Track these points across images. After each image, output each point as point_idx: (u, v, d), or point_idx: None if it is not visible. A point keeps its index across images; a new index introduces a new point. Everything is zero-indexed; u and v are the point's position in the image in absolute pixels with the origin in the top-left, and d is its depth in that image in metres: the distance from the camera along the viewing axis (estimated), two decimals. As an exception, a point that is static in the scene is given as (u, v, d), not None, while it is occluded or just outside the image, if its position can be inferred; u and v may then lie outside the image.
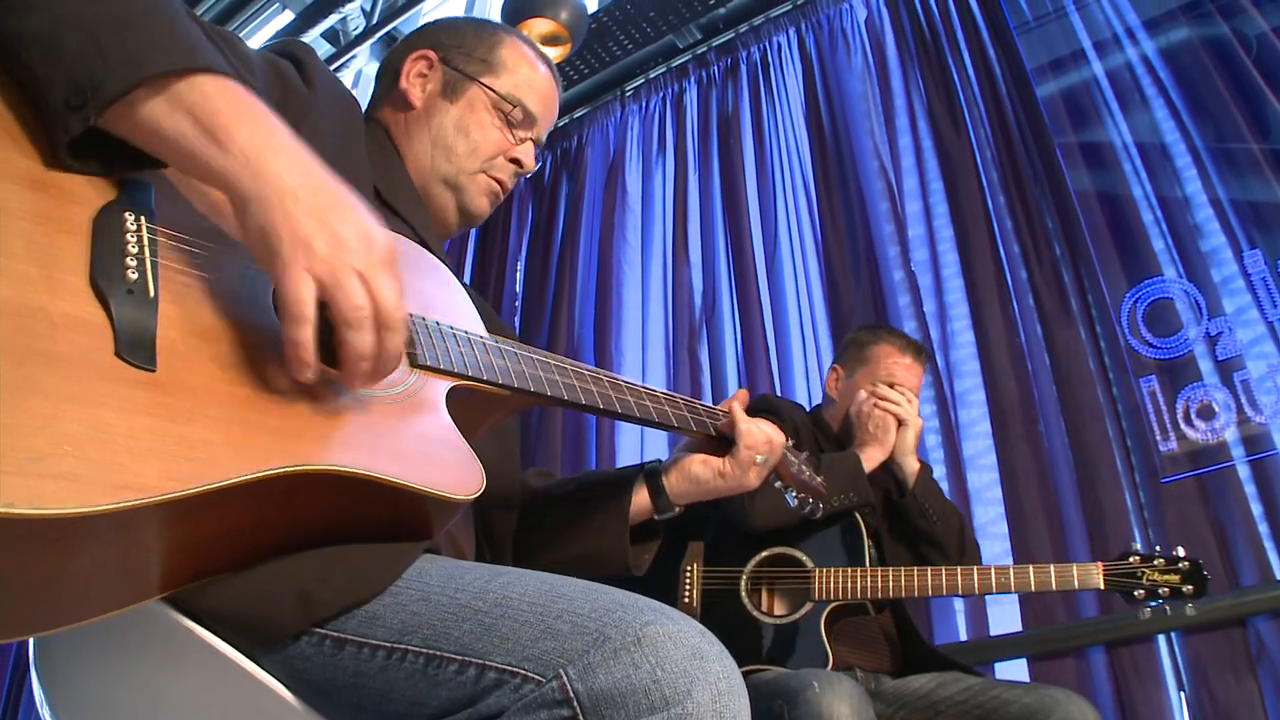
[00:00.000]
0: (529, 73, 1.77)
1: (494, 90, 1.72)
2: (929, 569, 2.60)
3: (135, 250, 0.97)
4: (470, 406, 1.28)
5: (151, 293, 0.96)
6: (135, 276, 0.95)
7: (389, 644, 1.04)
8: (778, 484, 1.83)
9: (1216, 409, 3.35)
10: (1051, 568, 2.52)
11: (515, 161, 1.75)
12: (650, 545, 1.73)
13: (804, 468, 1.86)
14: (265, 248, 0.99)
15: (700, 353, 4.69)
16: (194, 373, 0.96)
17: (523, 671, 0.97)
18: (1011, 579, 2.54)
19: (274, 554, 1.03)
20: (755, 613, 2.68)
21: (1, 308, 0.84)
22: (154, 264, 0.99)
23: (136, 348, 0.91)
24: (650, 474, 1.70)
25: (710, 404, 1.76)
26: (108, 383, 0.87)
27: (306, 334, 0.99)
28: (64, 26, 0.95)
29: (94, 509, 0.80)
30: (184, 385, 0.94)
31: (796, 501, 1.87)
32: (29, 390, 0.81)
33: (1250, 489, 3.23)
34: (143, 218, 1.01)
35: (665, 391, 1.63)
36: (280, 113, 1.27)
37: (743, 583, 2.72)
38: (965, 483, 3.66)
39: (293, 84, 1.38)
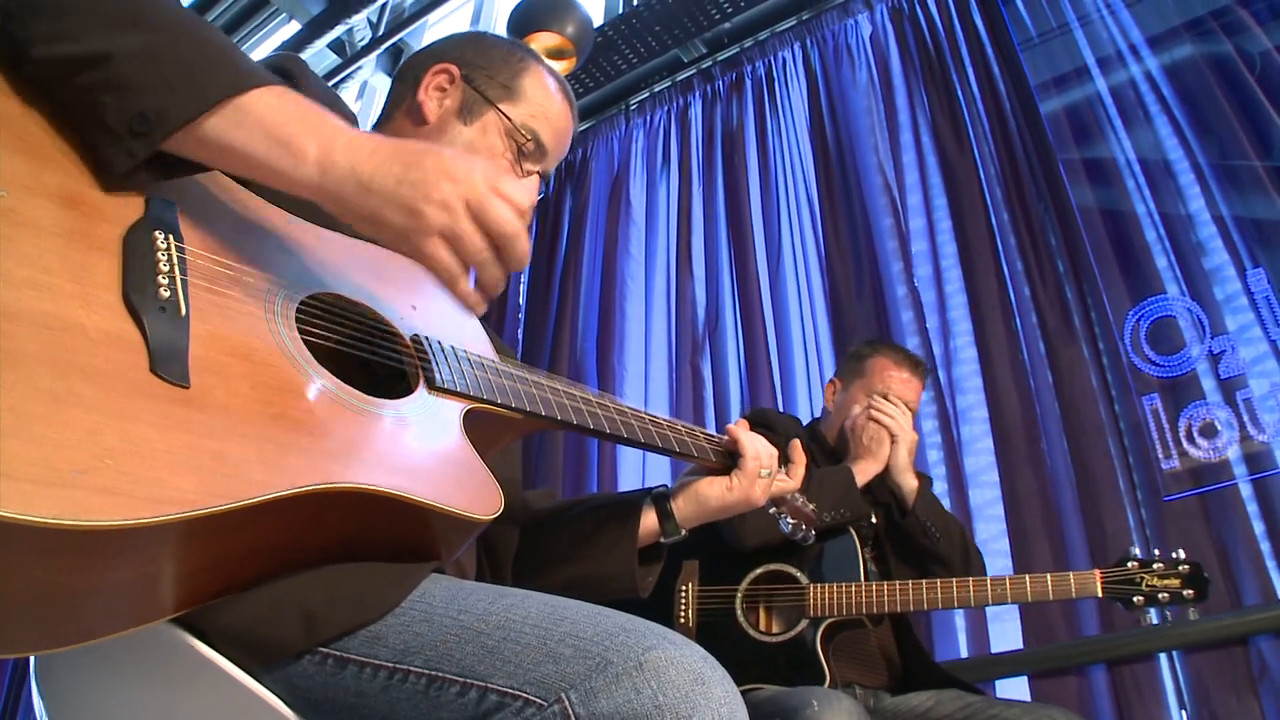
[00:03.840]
0: (547, 105, 1.72)
1: (510, 119, 1.67)
2: (924, 582, 2.59)
3: (166, 268, 0.99)
4: (482, 429, 1.29)
5: (183, 310, 0.98)
6: (167, 294, 0.97)
7: (391, 664, 1.04)
8: (772, 510, 1.84)
9: (1219, 427, 3.34)
10: (1048, 577, 2.51)
11: None
12: (654, 567, 1.73)
13: (797, 494, 1.87)
14: (384, 230, 1.07)
15: (703, 366, 4.68)
16: (225, 390, 0.97)
17: (524, 695, 0.97)
18: (1008, 590, 2.53)
19: (292, 572, 1.04)
20: (751, 631, 2.68)
21: (43, 321, 0.86)
22: (184, 282, 1.00)
23: (170, 364, 0.93)
24: (657, 498, 1.71)
25: (713, 420, 1.78)
26: (144, 398, 0.89)
27: (466, 286, 1.10)
28: (115, 53, 0.96)
29: (136, 521, 0.81)
30: (216, 402, 0.95)
31: (790, 527, 1.88)
32: (71, 403, 0.83)
33: (1252, 508, 3.21)
34: (171, 236, 1.02)
35: (668, 418, 1.64)
36: None
37: (738, 601, 2.72)
38: (967, 499, 3.65)
39: None
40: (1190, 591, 2.40)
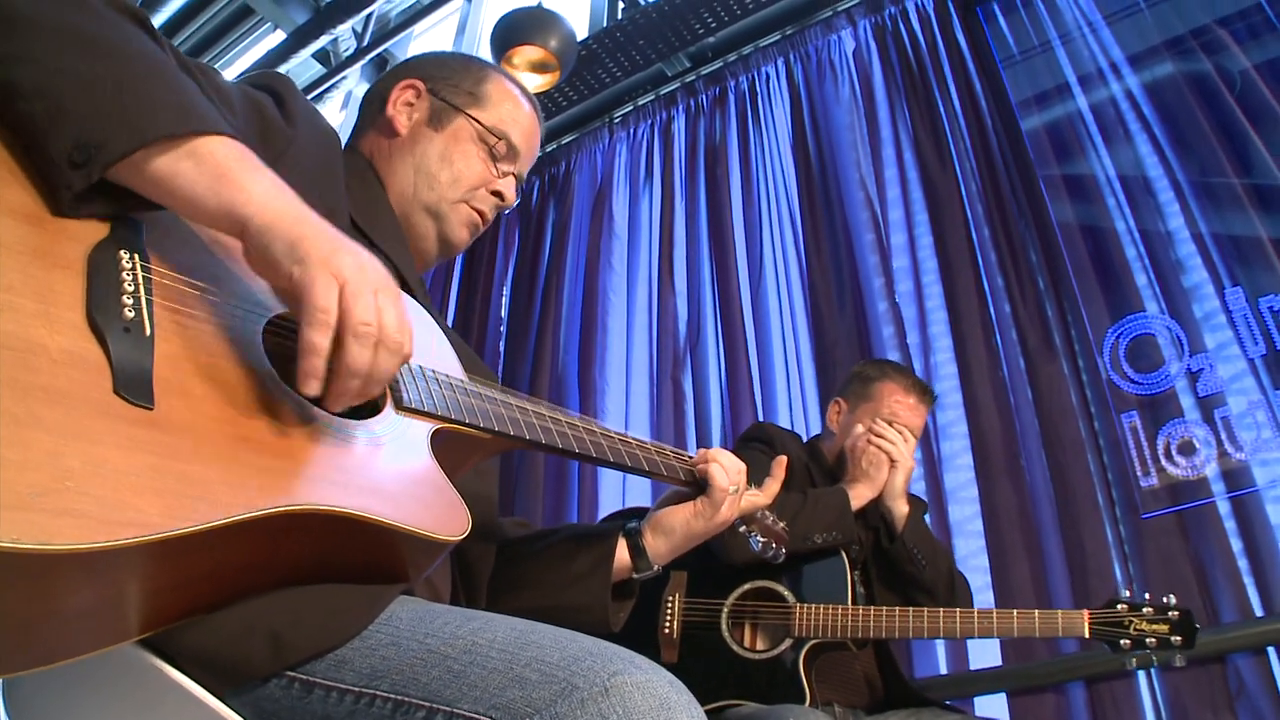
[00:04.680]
0: (513, 108, 1.78)
1: (480, 122, 1.73)
2: (911, 610, 2.57)
3: (131, 288, 0.98)
4: (451, 449, 1.28)
5: (148, 331, 0.96)
6: (132, 314, 0.96)
7: (357, 689, 1.03)
8: (742, 528, 1.84)
9: (1197, 445, 3.35)
10: (1035, 614, 2.48)
11: (497, 194, 1.75)
12: (626, 604, 1.72)
13: (767, 513, 1.86)
14: (291, 259, 1.01)
15: (684, 381, 4.68)
16: (190, 411, 0.96)
17: None
18: (995, 624, 2.51)
19: (258, 593, 1.03)
20: (735, 647, 2.67)
21: (4, 341, 0.84)
22: (149, 302, 0.99)
23: (134, 385, 0.91)
24: (629, 533, 1.71)
25: (693, 434, 1.78)
26: (107, 420, 0.87)
27: (325, 340, 1.01)
28: (62, 81, 0.95)
29: (97, 545, 0.80)
30: (181, 424, 0.94)
31: (760, 545, 1.88)
32: (31, 425, 0.81)
33: (1230, 525, 3.23)
34: (137, 256, 1.01)
35: (638, 439, 1.64)
36: (259, 148, 1.28)
37: (724, 616, 2.71)
38: (946, 515, 3.66)
39: (271, 120, 1.38)
40: (1179, 638, 2.38)
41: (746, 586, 2.74)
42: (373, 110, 1.77)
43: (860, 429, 2.95)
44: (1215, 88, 3.82)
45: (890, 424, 2.93)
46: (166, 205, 1.02)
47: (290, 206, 1.04)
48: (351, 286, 1.02)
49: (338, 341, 1.02)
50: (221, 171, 1.01)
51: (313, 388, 1.02)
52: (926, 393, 3.09)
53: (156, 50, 1.07)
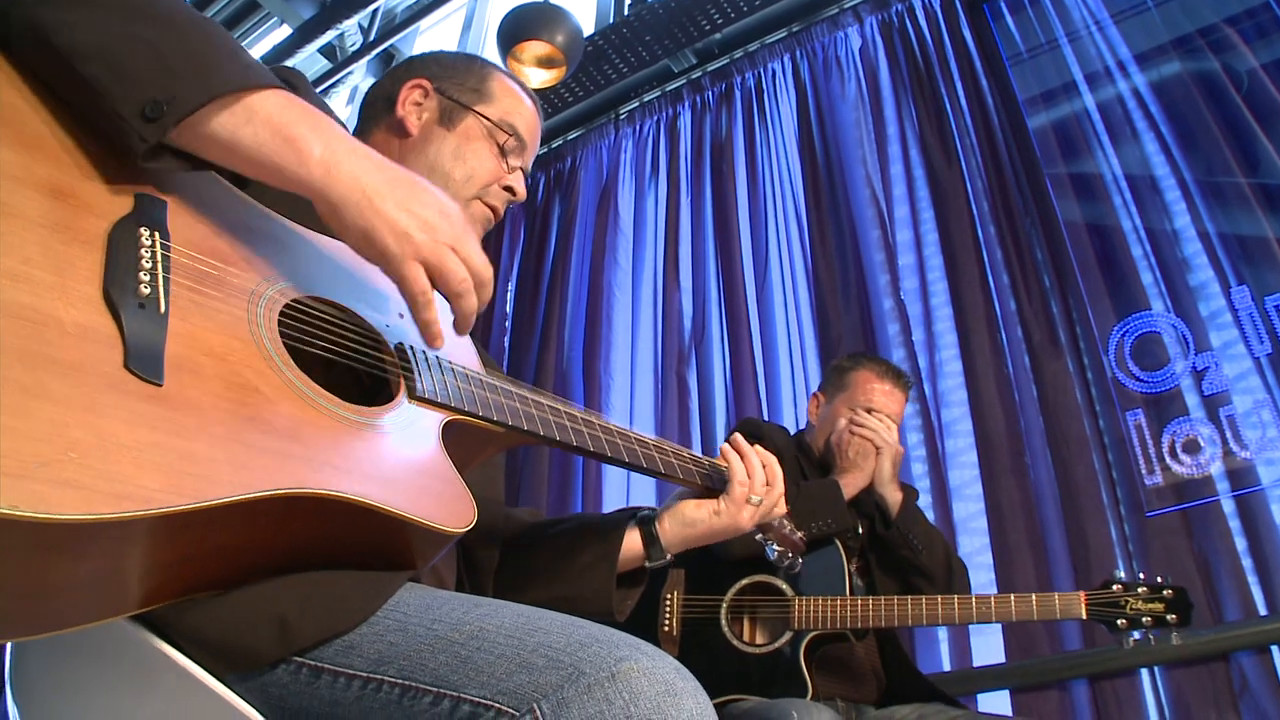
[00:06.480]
0: (517, 102, 1.80)
1: (488, 118, 1.74)
2: (909, 598, 2.58)
3: (149, 265, 0.98)
4: (463, 441, 1.28)
5: (162, 308, 0.97)
6: (148, 291, 0.96)
7: (365, 674, 1.03)
8: (759, 536, 1.83)
9: (1202, 443, 3.35)
10: (1033, 597, 2.50)
11: (508, 189, 1.76)
12: (634, 592, 1.73)
13: (785, 521, 1.86)
14: (372, 247, 1.11)
15: (689, 377, 4.68)
16: (199, 390, 0.96)
17: (497, 705, 0.97)
18: (993, 609, 2.52)
19: (262, 576, 1.03)
20: (735, 642, 2.67)
21: (18, 312, 0.85)
22: (166, 280, 1.00)
23: (145, 361, 0.92)
24: (643, 521, 1.71)
25: (698, 430, 1.78)
26: (115, 394, 0.88)
27: (434, 314, 1.16)
28: (125, 45, 0.98)
29: (95, 517, 0.80)
30: (189, 401, 0.94)
31: (775, 554, 1.87)
32: (39, 395, 0.82)
33: (1235, 524, 3.23)
34: (157, 233, 1.02)
35: (655, 438, 1.64)
36: None
37: (723, 611, 2.72)
38: (951, 512, 3.66)
39: None
40: (1174, 616, 2.39)
41: (745, 581, 2.74)
42: (377, 111, 1.78)
43: (843, 422, 2.99)
44: (1222, 87, 3.82)
45: (869, 412, 2.95)
46: (232, 166, 1.06)
47: (352, 171, 1.09)
48: (434, 258, 1.12)
49: (449, 300, 1.17)
50: (289, 133, 1.06)
51: (441, 343, 1.20)
52: (901, 378, 3.12)
53: (207, 17, 1.10)
